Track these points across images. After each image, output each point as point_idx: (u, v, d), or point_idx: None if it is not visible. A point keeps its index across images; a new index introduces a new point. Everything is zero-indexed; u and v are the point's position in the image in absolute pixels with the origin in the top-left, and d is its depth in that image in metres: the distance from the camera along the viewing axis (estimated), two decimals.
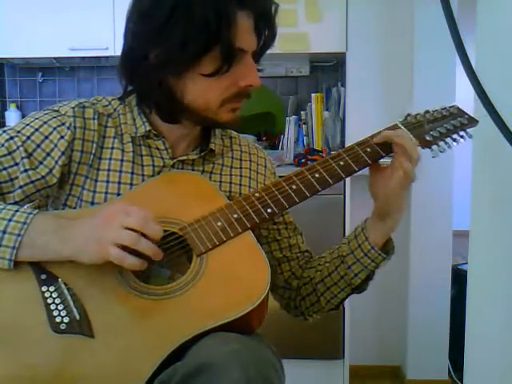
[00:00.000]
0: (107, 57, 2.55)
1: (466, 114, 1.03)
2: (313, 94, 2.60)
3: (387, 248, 0.98)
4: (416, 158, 0.90)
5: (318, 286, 1.02)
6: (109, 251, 0.78)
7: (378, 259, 0.96)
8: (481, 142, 1.17)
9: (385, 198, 0.93)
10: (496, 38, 1.14)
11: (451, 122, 1.00)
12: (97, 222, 0.82)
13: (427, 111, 1.01)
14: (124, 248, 0.78)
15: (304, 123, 2.62)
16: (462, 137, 1.00)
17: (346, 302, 2.18)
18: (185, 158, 0.98)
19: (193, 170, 1.00)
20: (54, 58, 2.63)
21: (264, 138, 2.60)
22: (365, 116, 2.41)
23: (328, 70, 2.72)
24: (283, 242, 1.07)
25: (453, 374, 2.45)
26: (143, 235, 0.80)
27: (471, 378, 1.26)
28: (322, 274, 1.02)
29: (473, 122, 1.02)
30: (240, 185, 1.03)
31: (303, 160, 2.33)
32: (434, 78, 2.35)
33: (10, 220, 0.83)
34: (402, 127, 0.98)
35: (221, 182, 1.01)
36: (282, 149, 2.57)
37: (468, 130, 1.01)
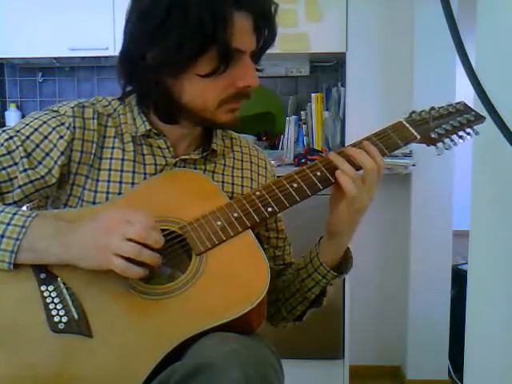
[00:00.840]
0: (107, 57, 2.55)
1: (473, 110, 1.01)
2: (313, 94, 2.59)
3: (342, 267, 0.97)
4: (359, 179, 0.88)
5: (279, 296, 1.03)
6: (112, 262, 0.78)
7: (328, 276, 0.96)
8: (481, 142, 1.17)
9: (333, 217, 0.93)
10: (496, 38, 1.14)
11: (457, 119, 0.98)
12: (98, 230, 0.81)
13: (432, 108, 1.00)
14: (127, 258, 0.78)
15: (304, 123, 2.62)
16: (468, 134, 0.99)
17: (346, 303, 2.20)
18: (187, 157, 0.98)
19: (195, 168, 1.00)
20: (54, 58, 2.63)
21: (264, 138, 2.60)
22: (365, 116, 2.41)
23: (328, 70, 2.72)
24: (269, 251, 1.07)
25: (453, 374, 2.45)
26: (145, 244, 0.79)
27: (471, 378, 1.26)
28: (283, 284, 1.03)
29: (480, 118, 1.00)
30: (242, 186, 1.03)
31: (303, 160, 2.33)
32: (433, 78, 2.35)
33: (8, 224, 0.83)
34: (407, 124, 0.97)
35: (223, 182, 1.01)
36: (282, 149, 2.56)
37: (474, 127, 1.00)
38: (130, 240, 0.78)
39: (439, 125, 0.97)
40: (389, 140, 0.95)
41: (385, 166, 0.90)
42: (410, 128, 0.96)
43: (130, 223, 0.80)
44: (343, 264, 0.98)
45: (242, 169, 1.05)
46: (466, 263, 2.06)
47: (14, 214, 0.84)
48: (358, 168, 0.90)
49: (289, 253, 1.10)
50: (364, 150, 0.91)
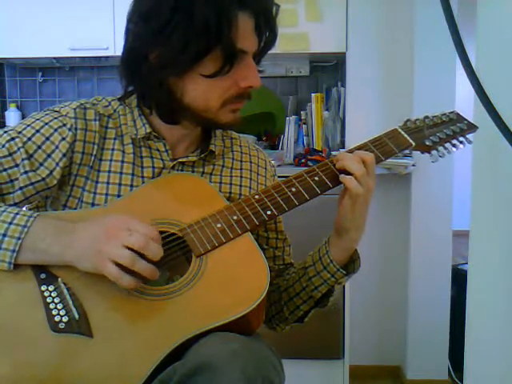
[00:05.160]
0: (107, 57, 2.56)
1: (466, 119, 1.04)
2: (313, 94, 2.60)
3: (351, 266, 0.97)
4: (365, 175, 0.89)
5: (282, 295, 1.02)
6: (107, 267, 0.78)
7: (338, 275, 0.95)
8: (481, 141, 1.17)
9: (339, 215, 0.93)
10: (496, 38, 1.14)
11: (450, 128, 1.01)
12: (98, 233, 0.81)
13: (426, 116, 1.02)
14: (122, 266, 0.78)
15: (304, 123, 2.62)
16: (461, 142, 1.01)
17: (346, 303, 2.20)
18: (185, 159, 0.98)
19: (193, 171, 1.00)
20: (54, 58, 2.64)
21: (264, 138, 2.60)
22: (365, 116, 2.41)
23: (328, 70, 2.72)
24: (268, 251, 1.07)
25: (453, 374, 2.45)
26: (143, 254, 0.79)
27: (471, 378, 1.26)
28: (287, 283, 1.02)
29: (472, 127, 1.03)
30: (240, 186, 1.03)
31: (303, 160, 2.33)
32: (433, 78, 2.34)
33: (10, 223, 0.83)
34: (402, 132, 0.98)
35: (221, 183, 1.01)
36: (282, 149, 2.57)
37: (468, 136, 1.01)
38: (128, 248, 0.78)
39: (433, 133, 1.00)
40: (385, 147, 0.96)
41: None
42: (406, 135, 0.98)
43: (131, 231, 0.80)
44: (350, 264, 0.98)
45: (241, 169, 1.05)
46: (466, 263, 2.06)
47: (17, 213, 0.84)
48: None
49: (288, 254, 1.10)
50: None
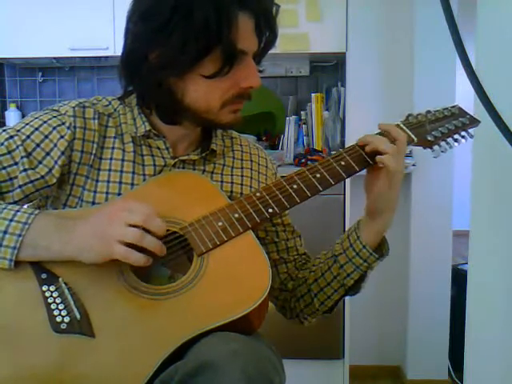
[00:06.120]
0: (107, 57, 2.56)
1: (468, 114, 1.03)
2: (313, 94, 2.60)
3: (381, 249, 0.97)
4: (397, 153, 0.90)
5: (311, 287, 1.02)
6: (114, 249, 0.78)
7: (370, 259, 0.95)
8: (481, 142, 1.17)
9: (373, 197, 0.93)
10: (496, 38, 1.14)
11: (453, 122, 0.99)
12: (99, 221, 0.82)
13: (428, 111, 1.01)
14: (129, 245, 0.79)
15: (304, 123, 2.62)
16: (463, 137, 1.00)
17: (346, 302, 2.21)
18: (186, 157, 0.98)
19: (194, 169, 1.00)
20: (54, 58, 2.63)
21: (264, 138, 2.60)
22: (365, 116, 2.41)
23: (328, 70, 2.72)
24: (281, 244, 1.06)
25: (453, 374, 2.45)
26: (147, 231, 0.80)
27: (471, 378, 1.26)
28: (315, 275, 1.01)
29: (475, 122, 1.02)
30: (241, 185, 1.03)
31: (303, 160, 2.33)
32: (433, 77, 2.35)
33: (11, 220, 0.83)
34: (404, 127, 0.97)
35: (222, 182, 1.01)
36: (282, 149, 2.57)
37: (469, 130, 1.01)
38: (131, 226, 0.79)
39: (435, 128, 0.99)
40: None
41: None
42: (408, 130, 0.97)
43: (132, 211, 0.80)
44: (381, 247, 0.97)
45: (242, 168, 1.05)
46: (466, 263, 2.06)
47: (17, 210, 0.84)
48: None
49: (300, 244, 1.09)
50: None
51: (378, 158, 0.90)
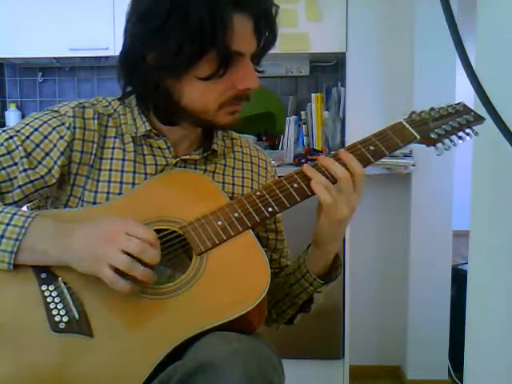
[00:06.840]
0: (107, 57, 2.55)
1: (473, 111, 1.01)
2: (313, 94, 2.60)
3: (331, 275, 0.97)
4: (334, 189, 0.86)
5: (270, 298, 1.02)
6: (102, 271, 0.78)
7: (315, 284, 0.96)
8: (481, 142, 1.17)
9: (316, 229, 0.92)
10: (496, 38, 1.14)
11: (457, 120, 0.98)
12: (96, 236, 0.81)
13: (432, 108, 1.00)
14: (119, 270, 0.78)
15: (304, 123, 2.62)
16: (467, 134, 0.98)
17: (346, 302, 2.20)
18: (188, 157, 0.98)
19: (195, 169, 1.00)
20: (54, 58, 2.63)
21: (264, 138, 2.60)
22: (365, 116, 2.41)
23: (328, 70, 2.72)
24: (266, 254, 1.06)
25: (453, 374, 2.45)
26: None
27: (471, 378, 1.26)
28: (274, 287, 1.01)
29: (479, 119, 1.00)
30: (242, 186, 1.03)
31: (303, 160, 2.33)
32: (433, 77, 2.35)
33: (8, 224, 0.82)
34: (407, 125, 0.96)
35: (223, 182, 1.01)
36: (282, 149, 2.57)
37: (474, 127, 1.00)
38: (125, 253, 0.78)
39: (439, 125, 0.97)
40: (389, 140, 0.94)
41: (363, 174, 0.88)
42: (410, 128, 0.96)
43: (129, 236, 0.79)
44: (333, 272, 0.97)
45: (243, 169, 1.05)
46: (466, 263, 2.06)
47: (14, 214, 0.84)
48: (334, 178, 0.88)
49: (285, 256, 1.10)
50: (338, 158, 0.89)
51: (312, 183, 0.88)
